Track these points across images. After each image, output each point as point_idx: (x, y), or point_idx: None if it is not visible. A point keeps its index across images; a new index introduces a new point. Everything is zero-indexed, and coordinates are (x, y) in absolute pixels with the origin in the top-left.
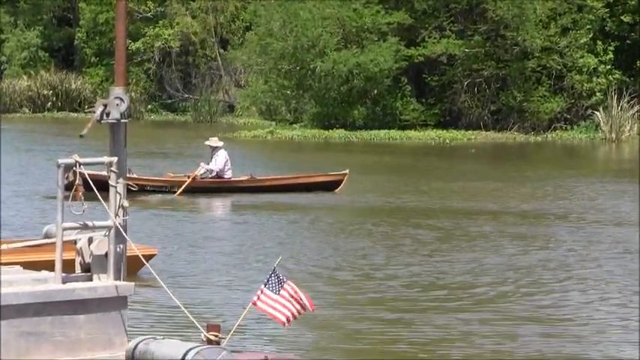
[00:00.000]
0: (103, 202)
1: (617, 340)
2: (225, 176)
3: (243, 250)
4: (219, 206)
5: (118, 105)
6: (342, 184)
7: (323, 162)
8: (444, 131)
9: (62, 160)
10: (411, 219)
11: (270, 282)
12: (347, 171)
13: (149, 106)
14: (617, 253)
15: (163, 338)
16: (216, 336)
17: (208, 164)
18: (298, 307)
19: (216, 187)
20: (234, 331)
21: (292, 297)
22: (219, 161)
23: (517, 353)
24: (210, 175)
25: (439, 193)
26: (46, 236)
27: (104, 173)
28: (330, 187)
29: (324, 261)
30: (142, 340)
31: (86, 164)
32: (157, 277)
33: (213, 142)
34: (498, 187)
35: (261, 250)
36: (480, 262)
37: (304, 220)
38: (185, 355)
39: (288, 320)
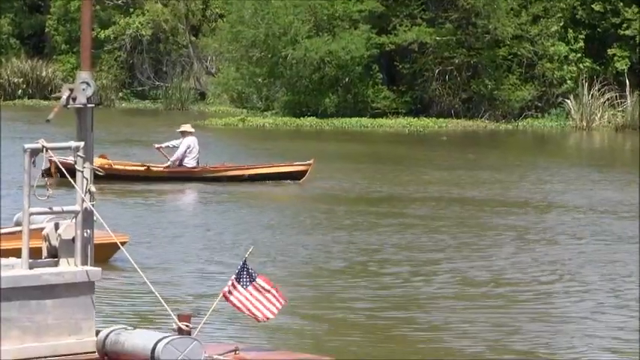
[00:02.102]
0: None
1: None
2: (188, 164)
3: (215, 240)
4: (190, 196)
5: (84, 90)
6: (306, 174)
7: (295, 150)
8: (416, 119)
9: (28, 145)
10: (390, 207)
11: (241, 275)
12: (311, 161)
13: (120, 94)
14: (607, 242)
15: (134, 328)
16: (187, 326)
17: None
18: (270, 304)
19: (186, 176)
20: (205, 321)
21: (263, 292)
22: (179, 149)
23: (517, 349)
24: (171, 163)
25: (418, 182)
26: (17, 224)
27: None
28: (295, 176)
29: (299, 251)
30: (112, 330)
31: (53, 149)
32: (134, 264)
33: (183, 127)
34: (479, 175)
35: (232, 241)
36: (459, 247)
37: (277, 210)
38: (156, 345)
39: (264, 316)
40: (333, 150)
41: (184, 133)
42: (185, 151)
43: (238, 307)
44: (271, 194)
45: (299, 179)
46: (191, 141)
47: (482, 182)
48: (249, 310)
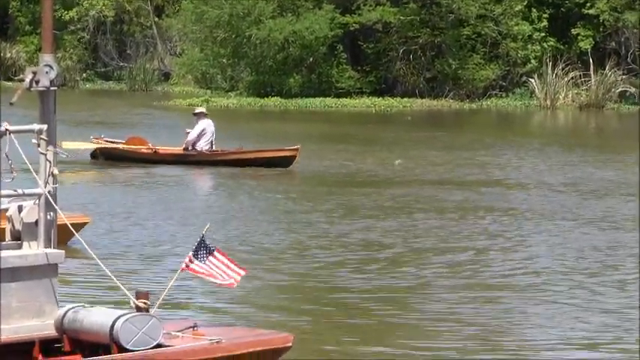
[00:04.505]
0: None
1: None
2: (198, 147)
3: (179, 220)
4: (163, 177)
5: (47, 72)
6: (294, 160)
7: (263, 131)
8: (380, 99)
9: None
10: (363, 189)
11: (199, 251)
12: (298, 146)
13: (84, 75)
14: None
15: (92, 306)
16: (145, 303)
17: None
18: (231, 271)
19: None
20: (163, 299)
21: (221, 265)
22: (193, 132)
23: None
24: (185, 145)
25: (386, 161)
26: None
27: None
28: (282, 162)
29: (263, 232)
30: (70, 309)
31: (16, 132)
32: (85, 244)
33: (198, 109)
34: (451, 155)
35: (197, 221)
36: (427, 228)
37: (249, 191)
38: (114, 322)
39: (230, 281)
40: (305, 131)
41: (199, 115)
42: (199, 134)
43: (199, 272)
44: (243, 175)
45: (287, 165)
46: (205, 124)
47: (457, 162)
48: (210, 275)
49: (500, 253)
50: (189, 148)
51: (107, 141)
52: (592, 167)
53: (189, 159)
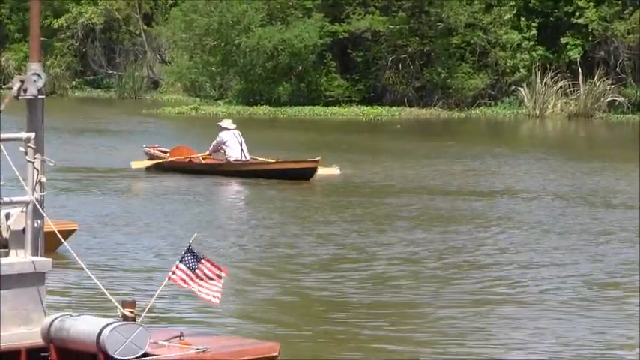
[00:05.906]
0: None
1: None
2: (230, 158)
3: (171, 231)
4: (162, 188)
5: (35, 81)
6: (315, 172)
7: (255, 140)
8: (369, 107)
9: None
10: (377, 199)
11: (185, 258)
12: (318, 158)
13: (73, 82)
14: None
15: (79, 315)
16: (132, 312)
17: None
18: (216, 282)
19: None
20: (149, 308)
21: (208, 274)
22: (214, 143)
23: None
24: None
25: (395, 171)
26: None
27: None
28: (305, 174)
29: (256, 241)
30: (57, 317)
31: (4, 140)
32: (72, 251)
33: (221, 123)
34: (446, 165)
35: (187, 231)
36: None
37: (240, 201)
38: (101, 331)
39: (212, 296)
40: (296, 139)
41: (220, 128)
42: (217, 145)
43: (182, 285)
44: (279, 189)
45: (308, 177)
46: (224, 135)
47: (470, 172)
48: (199, 290)
49: (515, 267)
50: (224, 160)
51: (160, 150)
52: (599, 177)
53: (220, 169)
